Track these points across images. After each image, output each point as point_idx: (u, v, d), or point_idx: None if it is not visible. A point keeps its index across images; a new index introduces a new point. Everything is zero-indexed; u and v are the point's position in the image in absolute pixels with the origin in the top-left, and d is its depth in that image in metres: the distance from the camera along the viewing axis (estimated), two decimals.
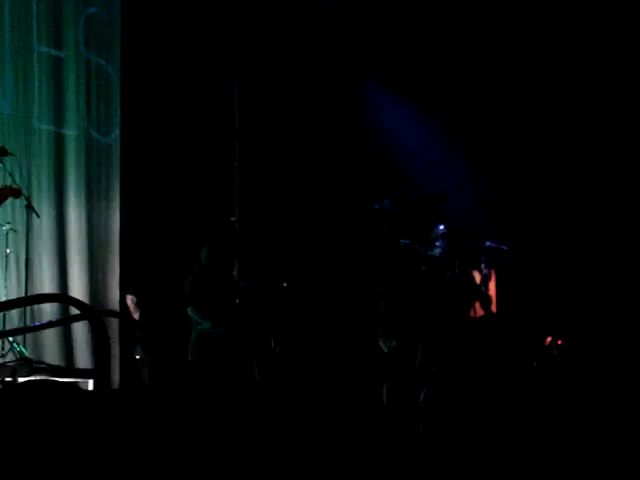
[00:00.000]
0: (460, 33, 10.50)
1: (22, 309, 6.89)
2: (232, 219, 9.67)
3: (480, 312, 9.36)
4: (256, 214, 9.88)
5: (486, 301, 9.42)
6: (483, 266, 9.20)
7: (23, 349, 6.93)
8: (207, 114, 9.48)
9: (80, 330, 7.77)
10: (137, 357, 8.21)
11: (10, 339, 6.78)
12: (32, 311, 7.32)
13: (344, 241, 9.73)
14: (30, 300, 7.68)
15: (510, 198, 10.84)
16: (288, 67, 10.07)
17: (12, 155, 6.66)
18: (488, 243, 9.79)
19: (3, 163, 6.78)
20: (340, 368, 8.46)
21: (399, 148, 10.58)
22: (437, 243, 8.03)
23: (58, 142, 7.38)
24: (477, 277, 9.24)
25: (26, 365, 6.67)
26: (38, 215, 7.12)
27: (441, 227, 7.84)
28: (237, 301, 8.91)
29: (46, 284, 7.74)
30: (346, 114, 10.43)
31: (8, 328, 6.87)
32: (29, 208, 6.98)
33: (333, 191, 10.19)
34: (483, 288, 9.26)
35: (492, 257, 9.67)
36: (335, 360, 8.64)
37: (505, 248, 9.86)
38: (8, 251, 7.67)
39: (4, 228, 7.34)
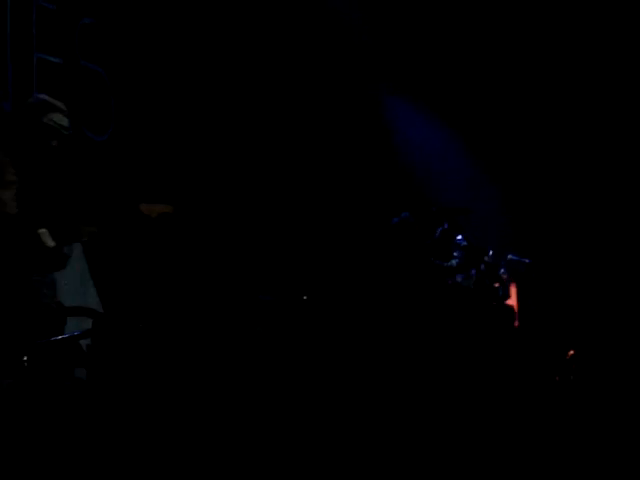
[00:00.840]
0: (483, 47, 10.48)
1: None
2: None
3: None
4: (276, 224, 9.87)
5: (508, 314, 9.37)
6: (502, 271, 9.14)
7: None
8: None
9: None
10: None
11: None
12: None
13: (365, 253, 9.70)
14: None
15: (533, 211, 10.79)
16: (305, 78, 10.09)
17: None
18: (510, 256, 9.74)
19: None
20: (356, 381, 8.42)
21: (419, 160, 10.57)
22: (455, 254, 8.01)
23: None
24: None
25: None
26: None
27: (459, 237, 7.82)
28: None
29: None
30: (367, 127, 10.43)
31: None
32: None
33: (351, 201, 10.18)
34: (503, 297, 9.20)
35: (514, 270, 9.62)
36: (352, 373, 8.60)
37: (527, 261, 9.81)
38: None
39: None
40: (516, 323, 9.57)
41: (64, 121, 5.41)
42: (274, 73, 9.81)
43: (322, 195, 10.19)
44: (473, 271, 8.21)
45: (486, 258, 8.78)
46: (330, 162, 10.19)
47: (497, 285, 9.26)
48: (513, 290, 9.52)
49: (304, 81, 10.06)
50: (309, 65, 10.05)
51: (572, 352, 9.52)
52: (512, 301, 9.56)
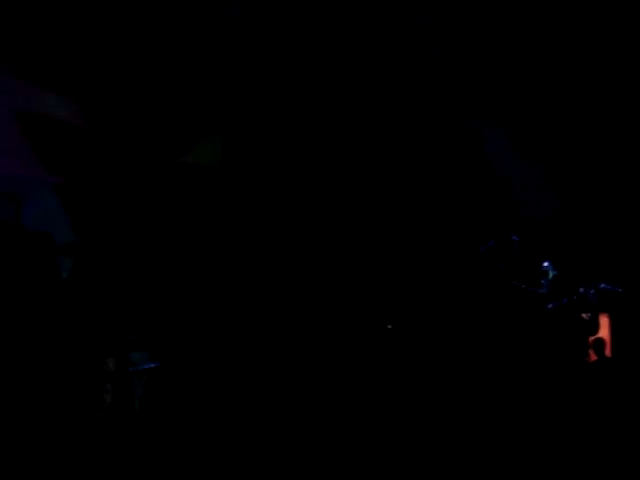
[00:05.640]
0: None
1: None
2: None
3: (593, 356, 9.08)
4: (363, 251, 9.87)
5: (599, 345, 9.14)
6: (594, 301, 8.91)
7: None
8: None
9: None
10: None
11: None
12: None
13: (453, 281, 9.60)
14: None
15: (625, 238, 10.53)
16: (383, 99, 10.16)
17: None
18: (602, 285, 9.50)
19: None
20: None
21: (501, 181, 10.43)
22: (542, 281, 7.84)
23: None
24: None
25: None
26: None
27: (545, 264, 7.66)
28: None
29: None
30: (455, 155, 10.38)
31: None
32: None
33: (439, 229, 10.12)
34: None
35: (606, 300, 9.38)
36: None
37: (620, 291, 9.55)
38: None
39: None
40: (608, 354, 9.32)
41: None
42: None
43: (410, 224, 10.15)
44: (565, 300, 8.03)
45: (581, 289, 8.60)
46: (417, 190, 10.16)
47: (588, 315, 9.04)
48: (605, 320, 9.28)
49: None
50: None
51: None
52: (604, 332, 9.31)
